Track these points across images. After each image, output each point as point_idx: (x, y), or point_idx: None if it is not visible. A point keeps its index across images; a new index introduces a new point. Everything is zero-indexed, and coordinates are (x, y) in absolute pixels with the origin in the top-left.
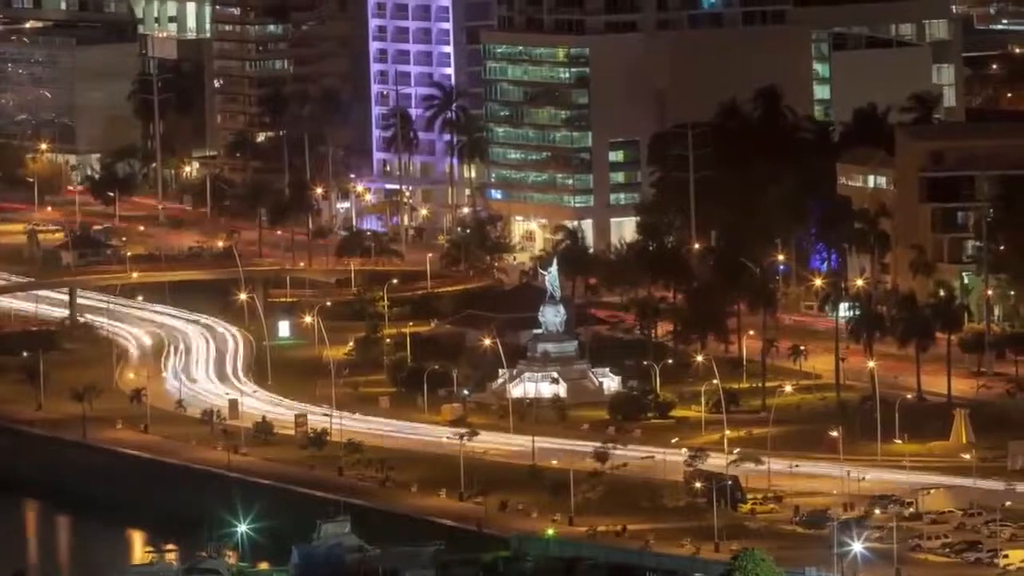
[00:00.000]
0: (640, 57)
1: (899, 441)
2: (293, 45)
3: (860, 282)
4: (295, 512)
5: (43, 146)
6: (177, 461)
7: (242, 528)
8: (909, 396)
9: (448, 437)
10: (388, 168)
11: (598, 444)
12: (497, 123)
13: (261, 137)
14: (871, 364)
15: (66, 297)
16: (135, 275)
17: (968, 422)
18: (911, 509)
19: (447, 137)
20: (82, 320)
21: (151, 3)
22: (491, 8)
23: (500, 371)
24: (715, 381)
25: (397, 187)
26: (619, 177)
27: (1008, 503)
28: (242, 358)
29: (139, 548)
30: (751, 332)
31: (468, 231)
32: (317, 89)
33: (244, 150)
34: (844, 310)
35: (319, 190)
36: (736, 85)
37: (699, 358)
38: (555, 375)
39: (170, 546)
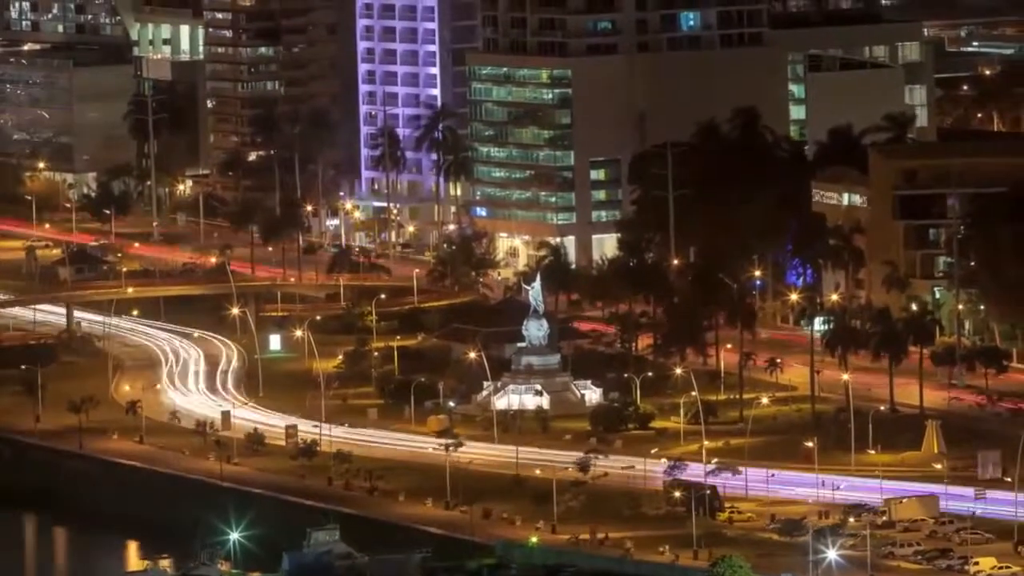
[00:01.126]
0: (621, 78)
1: (872, 451)
2: (284, 67)
3: (835, 297)
4: (286, 520)
5: (41, 165)
6: (171, 471)
7: (234, 536)
8: (882, 408)
9: (434, 448)
10: (376, 186)
11: (580, 454)
12: (482, 142)
13: (253, 156)
14: (845, 376)
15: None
16: (130, 290)
17: (939, 433)
18: (884, 517)
19: (433, 156)
20: (80, 334)
21: (146, 26)
22: (476, 31)
23: (485, 383)
24: (694, 393)
25: (385, 205)
26: (600, 195)
27: (978, 512)
28: (234, 371)
29: (134, 556)
30: (729, 345)
31: (454, 247)
32: (307, 109)
33: (236, 169)
34: (819, 324)
35: (309, 207)
36: (714, 105)
37: (678, 371)
38: (538, 387)
39: (164, 555)
